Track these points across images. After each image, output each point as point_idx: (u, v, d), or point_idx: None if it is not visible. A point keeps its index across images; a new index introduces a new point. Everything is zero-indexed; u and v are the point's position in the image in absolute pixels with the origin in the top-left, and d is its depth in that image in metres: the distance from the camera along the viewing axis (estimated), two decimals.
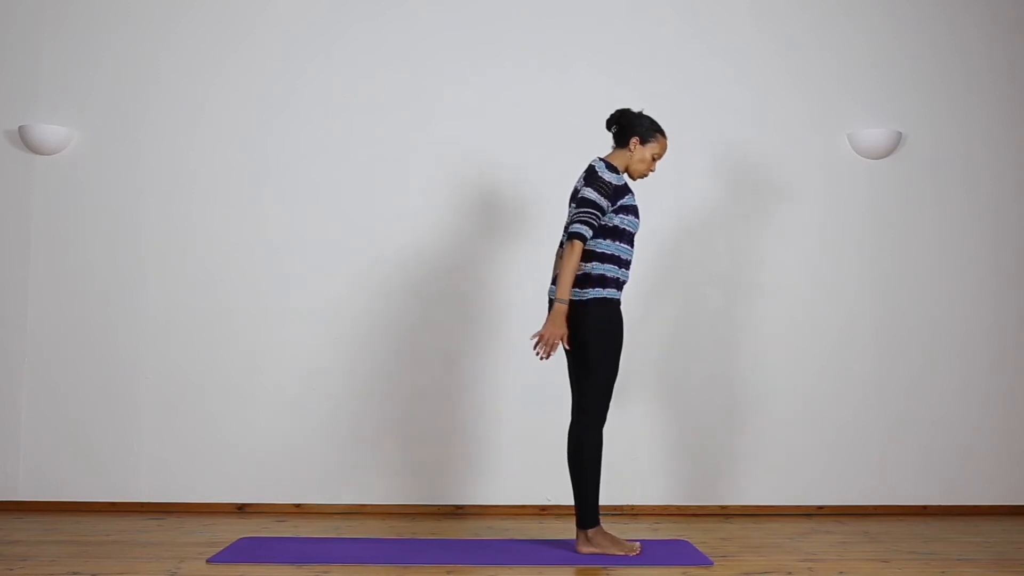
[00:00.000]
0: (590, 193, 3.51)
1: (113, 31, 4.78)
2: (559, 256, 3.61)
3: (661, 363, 4.71)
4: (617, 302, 3.59)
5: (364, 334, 4.67)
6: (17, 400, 4.62)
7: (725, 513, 4.65)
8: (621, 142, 3.68)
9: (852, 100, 4.86)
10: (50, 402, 4.62)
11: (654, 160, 3.68)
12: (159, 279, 4.68)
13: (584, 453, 3.53)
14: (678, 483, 4.66)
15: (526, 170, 4.74)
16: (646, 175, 3.72)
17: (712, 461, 4.68)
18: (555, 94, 4.79)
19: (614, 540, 3.57)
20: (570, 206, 3.67)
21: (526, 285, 4.57)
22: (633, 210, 3.60)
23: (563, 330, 3.49)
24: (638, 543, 3.63)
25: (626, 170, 3.67)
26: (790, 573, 3.31)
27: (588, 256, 3.55)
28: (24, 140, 4.67)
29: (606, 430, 3.66)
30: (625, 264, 3.61)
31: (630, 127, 3.65)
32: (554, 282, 3.62)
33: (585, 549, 3.55)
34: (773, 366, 4.72)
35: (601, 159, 3.62)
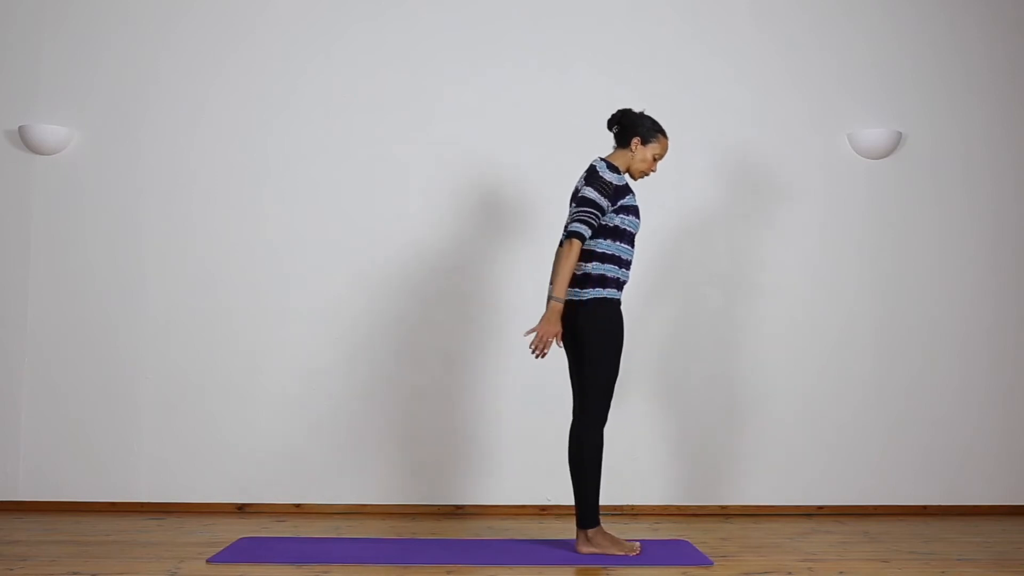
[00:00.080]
0: (590, 192, 3.52)
1: (113, 31, 4.78)
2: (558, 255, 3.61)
3: (661, 363, 4.71)
4: (617, 302, 3.59)
5: (364, 334, 4.67)
6: (17, 400, 4.62)
7: (725, 513, 4.65)
8: (622, 142, 3.68)
9: (852, 100, 4.86)
10: (50, 402, 4.62)
11: (655, 160, 3.69)
12: (159, 279, 4.68)
13: (585, 453, 3.53)
14: (678, 483, 4.66)
15: (526, 170, 4.74)
16: (647, 175, 3.72)
17: (712, 461, 4.68)
18: (555, 94, 4.79)
19: (614, 540, 3.57)
20: (571, 206, 3.67)
21: (526, 285, 4.57)
22: (634, 210, 3.60)
23: (557, 328, 3.50)
24: (638, 543, 3.63)
25: (627, 170, 3.67)
26: (790, 573, 3.31)
27: (588, 256, 3.55)
28: (24, 140, 4.67)
29: (606, 430, 3.66)
30: (625, 264, 3.61)
31: (631, 127, 3.65)
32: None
33: (585, 549, 3.55)
34: (773, 366, 4.72)
35: (602, 159, 3.62)
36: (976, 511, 4.70)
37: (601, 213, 3.51)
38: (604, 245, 3.55)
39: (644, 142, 3.65)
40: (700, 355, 4.72)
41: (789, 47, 4.87)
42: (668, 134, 3.72)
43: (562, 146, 4.64)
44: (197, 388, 4.63)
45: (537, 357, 3.53)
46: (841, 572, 3.34)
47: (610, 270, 3.55)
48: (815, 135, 4.84)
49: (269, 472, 4.60)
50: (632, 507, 4.65)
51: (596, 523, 3.57)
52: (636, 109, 3.71)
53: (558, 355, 3.82)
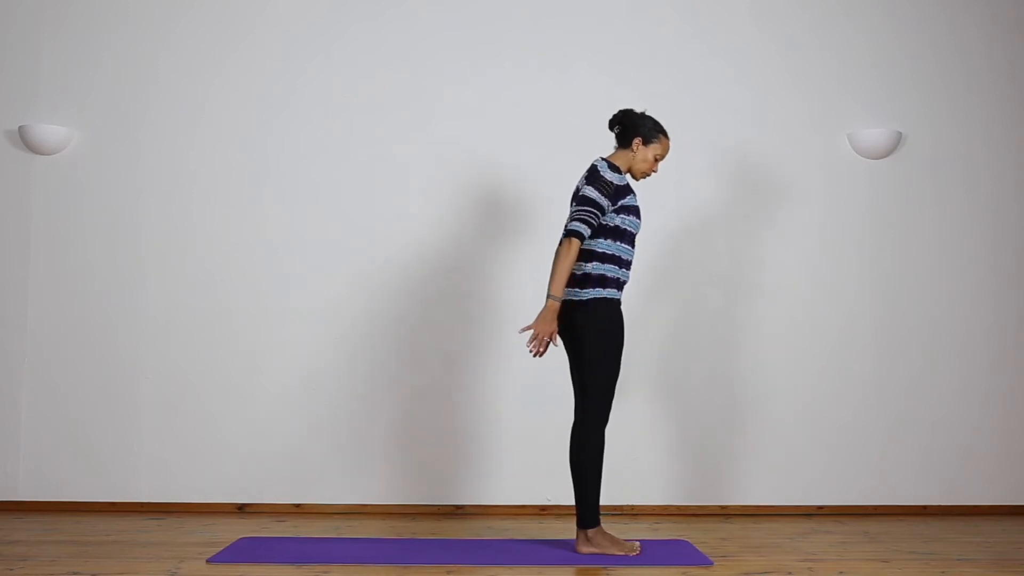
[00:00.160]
0: (591, 192, 3.52)
1: (113, 31, 4.78)
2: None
3: (661, 363, 4.71)
4: (617, 302, 3.59)
5: (364, 334, 4.67)
6: (17, 400, 4.62)
7: (725, 513, 4.65)
8: (624, 142, 3.68)
9: (852, 100, 4.86)
10: (50, 402, 4.62)
11: (657, 160, 3.69)
12: (159, 279, 4.68)
13: (586, 453, 3.53)
14: (678, 483, 4.66)
15: (526, 170, 4.74)
16: (649, 175, 3.72)
17: (712, 461, 4.68)
18: (555, 94, 4.79)
19: (614, 540, 3.57)
20: (571, 205, 3.67)
21: (526, 285, 4.57)
22: (634, 210, 3.60)
23: (553, 327, 3.50)
24: (638, 543, 3.63)
25: (629, 170, 3.67)
26: (790, 573, 3.31)
27: (589, 256, 3.55)
28: (24, 140, 4.67)
29: (606, 430, 3.65)
30: (626, 264, 3.61)
31: (633, 127, 3.65)
32: None
33: (585, 549, 3.55)
34: (773, 366, 4.72)
35: (603, 159, 3.62)
36: (976, 511, 4.70)
37: (601, 213, 3.51)
38: (604, 245, 3.55)
39: (646, 142, 3.65)
40: (700, 355, 4.72)
41: (789, 47, 4.87)
42: (669, 134, 3.72)
43: (562, 146, 4.64)
44: (197, 388, 4.63)
45: (535, 356, 3.54)
46: (841, 572, 3.34)
47: (610, 270, 3.55)
48: (815, 135, 4.84)
49: (269, 472, 4.60)
50: (632, 507, 4.65)
51: (596, 523, 3.57)
52: (637, 109, 3.71)
53: (558, 355, 3.82)
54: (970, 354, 4.79)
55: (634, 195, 3.62)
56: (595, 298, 3.53)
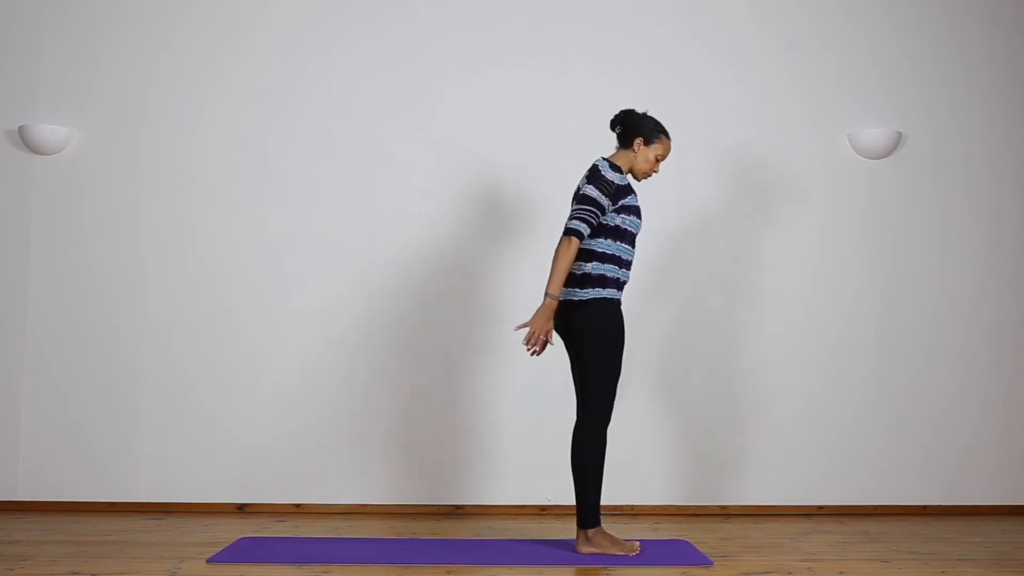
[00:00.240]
0: (591, 191, 3.52)
1: (113, 31, 4.78)
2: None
3: (661, 363, 4.71)
4: (617, 302, 3.59)
5: (364, 334, 4.67)
6: (17, 400, 4.62)
7: (725, 513, 4.65)
8: (625, 143, 3.68)
9: (852, 100, 4.86)
10: (50, 402, 4.62)
11: (658, 161, 3.69)
12: (159, 279, 4.68)
13: (587, 453, 3.53)
14: (678, 483, 4.66)
15: (526, 170, 4.74)
16: (650, 175, 3.72)
17: (712, 461, 4.68)
18: (555, 94, 4.79)
19: (614, 540, 3.57)
20: (572, 205, 3.67)
21: (526, 285, 4.56)
22: (635, 210, 3.61)
23: (549, 325, 3.50)
24: (638, 543, 3.63)
25: (630, 171, 3.67)
26: (790, 573, 3.31)
27: (589, 256, 3.55)
28: (24, 140, 4.67)
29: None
30: (626, 264, 3.61)
31: (634, 128, 3.66)
32: None
33: (585, 549, 3.55)
34: (773, 366, 4.72)
35: (605, 159, 3.62)
36: (976, 511, 4.70)
37: (601, 212, 3.51)
38: (605, 245, 3.55)
39: (647, 143, 3.65)
40: (700, 355, 4.72)
41: (789, 47, 4.87)
42: (670, 135, 3.72)
43: (562, 146, 4.64)
44: (197, 388, 4.63)
45: (531, 354, 3.54)
46: (841, 572, 3.34)
47: (610, 270, 3.55)
48: (815, 135, 4.84)
49: (269, 472, 4.60)
50: (632, 507, 4.65)
51: (597, 523, 3.57)
52: (638, 110, 3.71)
53: (558, 355, 3.82)
54: (970, 354, 4.79)
55: (635, 195, 3.62)
56: (595, 298, 3.53)
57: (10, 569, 3.25)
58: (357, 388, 4.65)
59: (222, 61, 4.78)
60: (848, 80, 4.87)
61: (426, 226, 4.73)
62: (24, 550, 3.59)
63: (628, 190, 3.59)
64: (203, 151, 4.74)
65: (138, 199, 4.71)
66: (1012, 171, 4.88)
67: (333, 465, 4.61)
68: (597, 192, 3.51)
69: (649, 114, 3.70)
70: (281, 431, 4.62)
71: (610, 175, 3.55)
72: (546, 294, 3.50)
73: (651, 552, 3.61)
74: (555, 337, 3.69)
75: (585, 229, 3.48)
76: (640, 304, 4.61)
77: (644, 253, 4.47)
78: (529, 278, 4.55)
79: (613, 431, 3.69)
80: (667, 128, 3.72)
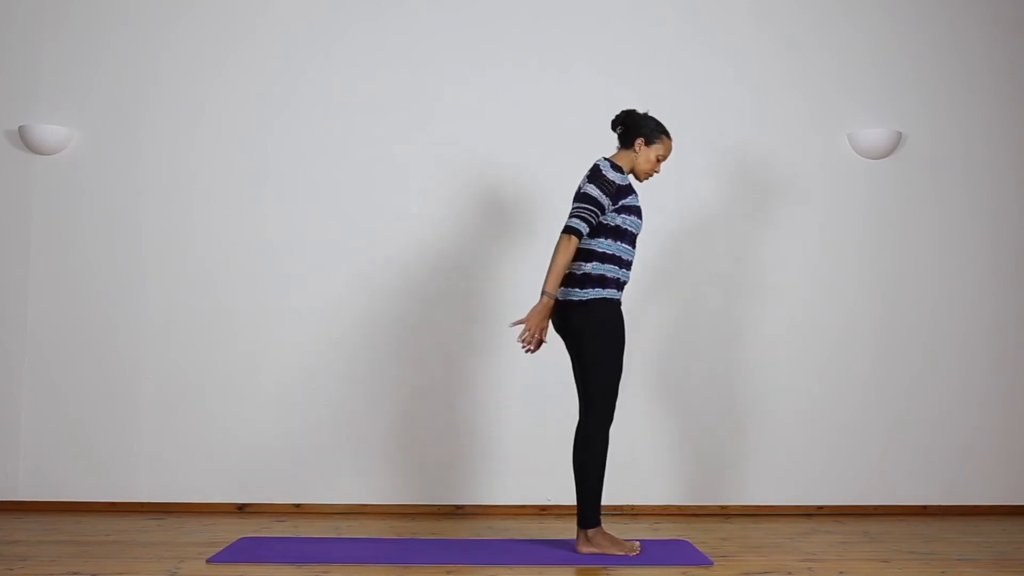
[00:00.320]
0: (592, 190, 3.52)
1: (113, 31, 4.78)
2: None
3: (661, 363, 4.71)
4: (617, 302, 3.59)
5: (364, 334, 4.67)
6: (17, 400, 4.62)
7: (725, 513, 4.65)
8: (626, 143, 3.68)
9: (852, 100, 4.86)
10: (50, 402, 4.62)
11: (659, 161, 3.69)
12: (159, 279, 4.68)
13: (589, 453, 3.53)
14: (678, 483, 4.66)
15: (526, 170, 4.74)
16: (651, 176, 3.72)
17: (712, 461, 4.68)
18: (555, 94, 4.79)
19: (614, 540, 3.57)
20: (572, 204, 3.67)
21: (526, 285, 4.56)
22: (636, 211, 3.61)
23: (544, 324, 3.52)
24: (638, 543, 3.63)
25: (631, 171, 3.68)
26: (790, 573, 3.31)
27: (589, 256, 3.55)
28: (24, 140, 4.67)
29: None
30: (626, 265, 3.61)
31: (635, 128, 3.66)
32: None
33: (585, 549, 3.55)
34: (773, 366, 4.72)
35: (606, 158, 3.62)
36: (976, 511, 4.70)
37: (601, 211, 3.51)
38: (605, 245, 3.55)
39: (648, 143, 3.65)
40: (700, 355, 4.72)
41: (789, 47, 4.87)
42: (671, 135, 3.72)
43: (562, 146, 4.65)
44: (197, 388, 4.63)
45: (525, 351, 3.54)
46: (841, 572, 3.34)
47: (610, 270, 3.55)
48: (815, 135, 4.84)
49: (269, 472, 4.60)
50: (632, 507, 4.65)
51: (597, 523, 3.57)
52: (639, 110, 3.71)
53: (559, 354, 3.82)
54: (970, 354, 4.79)
55: (636, 195, 3.62)
56: (594, 298, 3.52)
57: (10, 569, 3.25)
58: (357, 388, 4.65)
59: (222, 61, 4.78)
60: (848, 80, 4.86)
61: (426, 226, 4.73)
62: (24, 550, 3.59)
63: (629, 190, 3.59)
64: (203, 151, 4.74)
65: (138, 199, 4.71)
66: (1012, 171, 4.88)
67: (333, 465, 4.61)
68: (598, 191, 3.51)
69: (650, 114, 3.70)
70: (281, 431, 4.62)
71: (611, 175, 3.55)
72: (543, 292, 3.49)
73: (651, 552, 3.61)
74: (553, 336, 3.69)
75: (584, 228, 3.48)
76: (640, 304, 4.61)
77: (644, 253, 4.47)
78: (529, 278, 4.55)
79: (613, 431, 3.69)
80: (668, 128, 3.72)
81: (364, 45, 4.80)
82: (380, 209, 4.73)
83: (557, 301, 3.59)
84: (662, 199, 4.61)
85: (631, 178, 3.69)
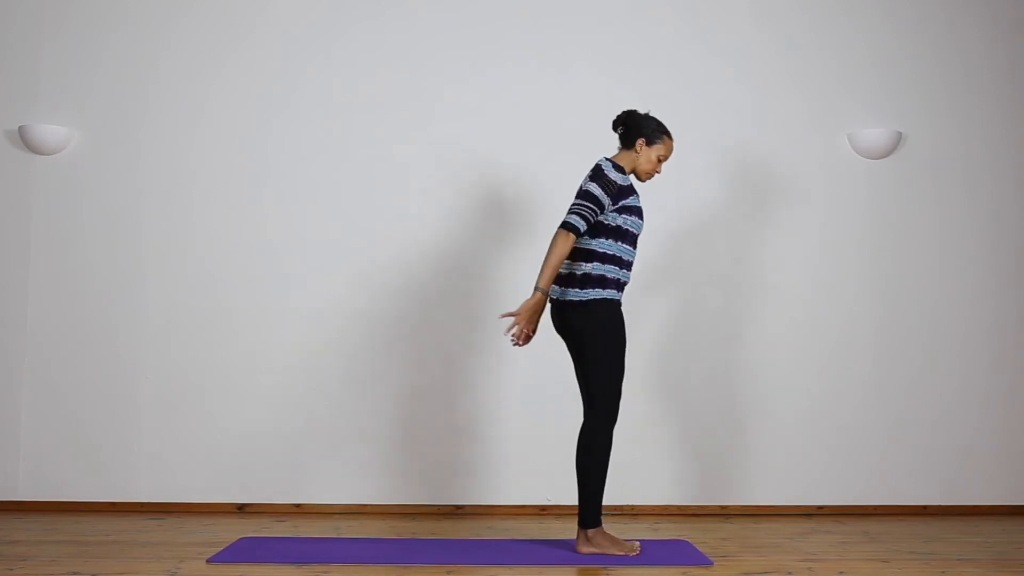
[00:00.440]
0: (593, 188, 3.52)
1: (113, 31, 4.78)
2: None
3: (661, 363, 4.71)
4: (617, 303, 3.59)
5: (364, 334, 4.67)
6: (17, 400, 4.62)
7: (725, 513, 4.65)
8: (627, 143, 3.68)
9: (852, 100, 4.86)
10: (50, 402, 4.62)
11: (660, 161, 3.69)
12: (159, 279, 4.68)
13: (592, 453, 3.53)
14: (678, 483, 4.66)
15: (526, 170, 4.74)
16: (652, 176, 3.72)
17: (712, 461, 4.68)
18: (555, 94, 4.79)
19: (614, 540, 3.57)
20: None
21: (526, 285, 4.53)
22: (637, 211, 3.60)
23: (534, 319, 3.52)
24: (638, 543, 3.63)
25: (633, 171, 3.67)
26: (790, 573, 3.31)
27: (589, 256, 3.55)
28: (24, 140, 4.67)
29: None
30: (626, 265, 3.60)
31: (636, 128, 3.65)
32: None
33: (585, 549, 3.55)
34: (773, 366, 4.72)
35: (607, 159, 3.62)
36: (976, 511, 4.70)
37: (600, 209, 3.51)
38: (606, 245, 3.55)
39: (649, 143, 3.65)
40: (700, 355, 4.72)
41: (789, 47, 4.87)
42: (672, 135, 3.72)
43: (562, 146, 4.65)
44: (197, 388, 4.63)
45: (514, 345, 3.54)
46: (841, 572, 3.34)
47: (610, 271, 3.55)
48: (815, 135, 4.84)
49: (269, 472, 4.60)
50: (632, 507, 4.65)
51: (598, 523, 3.56)
52: (641, 110, 3.71)
53: (558, 354, 3.82)
54: (970, 354, 4.79)
55: (637, 196, 3.62)
56: (594, 299, 3.52)
57: (10, 569, 3.25)
58: (357, 388, 4.65)
59: (222, 61, 4.78)
60: (848, 80, 4.86)
61: (426, 226, 4.73)
62: (24, 550, 3.59)
63: (630, 190, 3.59)
64: (203, 151, 4.74)
65: (138, 199, 4.71)
66: (1012, 171, 4.88)
67: (333, 465, 4.61)
68: (599, 190, 3.51)
69: (651, 115, 3.70)
70: (281, 431, 4.62)
71: (613, 175, 3.55)
72: (536, 288, 3.49)
73: (651, 552, 3.61)
74: (553, 336, 3.69)
75: (582, 225, 3.48)
76: (640, 304, 4.61)
77: (644, 253, 4.47)
78: (529, 278, 4.51)
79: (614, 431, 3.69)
80: (669, 128, 3.72)
81: (364, 45, 4.80)
82: (380, 209, 4.73)
83: (557, 302, 3.59)
84: (662, 199, 4.61)
85: (632, 178, 3.69)
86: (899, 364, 4.76)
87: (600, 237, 3.55)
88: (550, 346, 3.92)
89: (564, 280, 3.58)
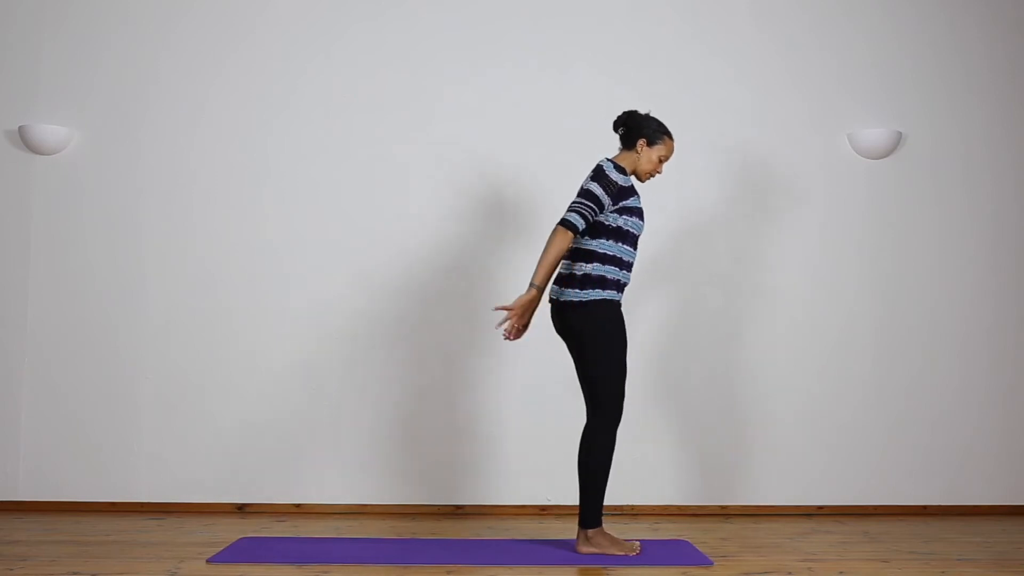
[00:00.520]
0: (595, 187, 3.52)
1: (113, 31, 4.78)
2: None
3: (661, 363, 4.71)
4: (617, 303, 3.59)
5: (364, 334, 4.67)
6: (17, 400, 4.62)
7: (725, 513, 4.65)
8: (628, 144, 3.68)
9: (852, 100, 4.86)
10: (50, 402, 4.62)
11: (661, 162, 3.69)
12: (159, 279, 4.68)
13: (593, 455, 3.52)
14: (678, 483, 4.66)
15: (526, 170, 4.74)
16: (654, 176, 3.72)
17: (712, 461, 4.68)
18: (555, 94, 4.79)
19: (614, 540, 3.57)
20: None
21: (526, 285, 4.56)
22: (638, 212, 3.60)
23: (528, 315, 3.52)
24: (638, 543, 3.63)
25: (634, 172, 3.67)
26: (790, 573, 3.31)
27: (589, 256, 3.55)
28: (24, 140, 4.67)
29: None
30: (627, 266, 3.60)
31: (637, 129, 3.65)
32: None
33: (585, 549, 3.55)
34: (773, 366, 4.72)
35: (609, 159, 3.62)
36: (976, 511, 4.70)
37: (600, 209, 3.51)
38: (606, 246, 3.54)
39: (650, 144, 3.65)
40: (700, 355, 4.72)
41: (789, 47, 4.87)
42: (673, 135, 3.72)
43: (562, 146, 4.65)
44: (197, 388, 4.63)
45: (505, 338, 3.55)
46: (841, 572, 3.34)
47: (610, 271, 3.55)
48: (815, 135, 4.84)
49: (269, 472, 4.60)
50: (632, 507, 4.65)
51: (598, 523, 3.57)
52: (642, 111, 3.71)
53: (558, 354, 3.82)
54: (970, 354, 4.79)
55: (638, 197, 3.62)
56: (594, 299, 3.52)
57: (10, 569, 3.25)
58: (357, 388, 4.65)
59: (222, 61, 4.78)
60: (848, 80, 4.86)
61: (426, 226, 4.73)
62: (24, 550, 3.59)
63: (631, 191, 3.59)
64: (203, 151, 4.74)
65: (138, 199, 4.71)
66: (1012, 171, 4.88)
67: (333, 465, 4.61)
68: (600, 190, 3.51)
69: (652, 115, 3.70)
70: (281, 431, 4.62)
71: (614, 175, 3.55)
72: (531, 284, 3.49)
73: (651, 552, 3.61)
74: (553, 336, 3.69)
75: (580, 222, 3.48)
76: (640, 304, 4.61)
77: (644, 253, 4.47)
78: (529, 278, 4.54)
79: None
80: (670, 129, 3.71)
81: (364, 45, 4.80)
82: (380, 209, 4.73)
83: (557, 302, 3.59)
84: (663, 199, 4.61)
85: (633, 179, 3.68)
86: (899, 364, 4.76)
87: (601, 238, 3.55)
88: (550, 346, 3.92)
89: (564, 281, 3.58)
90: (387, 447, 4.63)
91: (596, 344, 3.53)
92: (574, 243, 3.58)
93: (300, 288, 4.68)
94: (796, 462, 4.69)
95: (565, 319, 3.57)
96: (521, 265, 4.63)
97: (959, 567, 3.44)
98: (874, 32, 4.89)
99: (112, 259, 4.68)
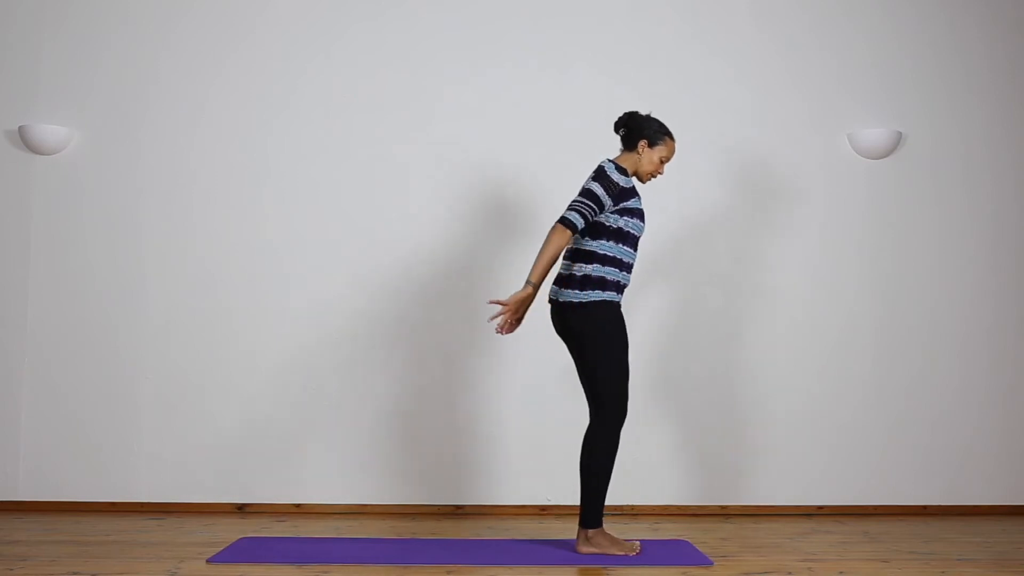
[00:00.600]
0: (596, 187, 3.52)
1: (113, 31, 4.78)
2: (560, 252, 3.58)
3: (661, 363, 4.71)
4: (617, 304, 3.59)
5: (364, 334, 4.67)
6: (17, 400, 4.62)
7: (725, 513, 4.65)
8: (629, 145, 3.68)
9: (852, 100, 4.86)
10: (50, 402, 4.62)
11: (662, 163, 3.68)
12: (159, 279, 4.68)
13: (597, 454, 3.53)
14: (678, 483, 4.66)
15: (526, 170, 4.74)
16: (655, 177, 3.72)
17: (712, 461, 4.68)
18: (555, 94, 4.79)
19: (614, 540, 3.57)
20: None
21: None
22: (638, 213, 3.60)
23: (521, 312, 3.51)
24: (638, 543, 3.63)
25: (635, 173, 3.67)
26: (790, 573, 3.31)
27: (590, 257, 3.55)
28: (24, 140, 4.67)
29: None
30: (627, 267, 3.60)
31: (638, 130, 3.65)
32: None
33: (585, 549, 3.55)
34: (773, 366, 4.72)
35: (610, 160, 3.62)
36: (976, 511, 4.70)
37: (600, 209, 3.51)
38: (607, 247, 3.54)
39: (651, 144, 3.65)
40: (700, 355, 4.72)
41: (789, 47, 4.87)
42: (674, 136, 3.72)
43: (562, 146, 4.65)
44: (197, 388, 4.63)
45: (497, 332, 3.55)
46: (841, 572, 3.34)
47: (610, 272, 3.55)
48: (815, 135, 4.84)
49: (269, 472, 4.60)
50: (632, 507, 4.65)
51: (599, 524, 3.57)
52: (643, 111, 3.71)
53: (558, 354, 3.82)
54: (970, 354, 4.79)
55: (638, 198, 3.62)
56: (594, 300, 3.52)
57: (10, 569, 3.25)
58: (357, 388, 4.65)
59: (222, 61, 4.78)
60: (848, 80, 4.86)
61: (426, 226, 4.73)
62: (24, 550, 3.59)
63: (632, 192, 3.59)
64: (203, 151, 4.74)
65: (138, 199, 4.71)
66: (1012, 171, 4.88)
67: (333, 465, 4.61)
68: (601, 190, 3.51)
69: (653, 116, 3.70)
70: (281, 431, 4.62)
71: (615, 176, 3.55)
72: (527, 282, 3.48)
73: (651, 552, 3.61)
74: (553, 337, 3.69)
75: (579, 221, 3.48)
76: (640, 304, 4.61)
77: (644, 253, 4.46)
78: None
79: None
80: (671, 129, 3.71)
81: (364, 45, 4.80)
82: (380, 209, 4.73)
83: (556, 303, 3.59)
84: (663, 199, 4.61)
85: (634, 180, 3.68)
86: (899, 364, 4.76)
87: (601, 239, 3.54)
88: (550, 346, 3.92)
89: (564, 281, 3.58)
90: (387, 447, 4.63)
91: (596, 345, 3.53)
92: (574, 244, 3.58)
93: (300, 288, 4.68)
94: (796, 462, 4.69)
95: (565, 320, 3.57)
96: (521, 265, 4.62)
97: (959, 567, 3.44)
98: (874, 32, 4.89)
99: (112, 259, 4.68)
